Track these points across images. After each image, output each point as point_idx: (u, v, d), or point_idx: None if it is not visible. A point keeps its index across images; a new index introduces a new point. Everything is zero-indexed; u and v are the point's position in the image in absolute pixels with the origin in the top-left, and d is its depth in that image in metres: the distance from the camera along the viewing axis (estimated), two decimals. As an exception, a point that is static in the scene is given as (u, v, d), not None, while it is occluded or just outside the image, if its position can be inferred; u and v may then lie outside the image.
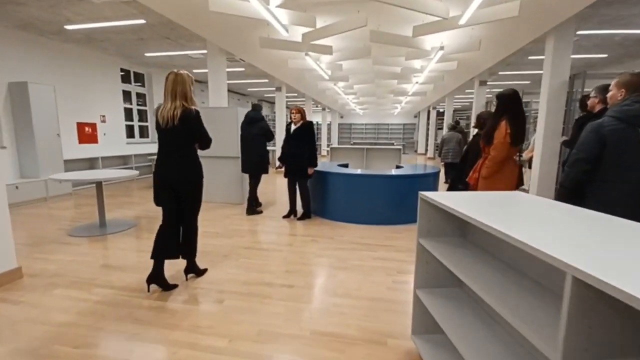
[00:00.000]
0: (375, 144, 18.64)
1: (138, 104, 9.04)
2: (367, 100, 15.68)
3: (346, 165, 5.92)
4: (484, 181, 3.04)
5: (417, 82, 9.74)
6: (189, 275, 2.77)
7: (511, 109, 2.93)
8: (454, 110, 12.83)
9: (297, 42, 5.98)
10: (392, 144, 21.06)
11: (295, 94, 14.52)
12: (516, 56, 7.59)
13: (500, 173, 2.95)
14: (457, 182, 3.79)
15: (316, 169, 4.79)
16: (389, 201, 4.39)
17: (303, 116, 4.48)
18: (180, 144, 2.53)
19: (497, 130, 2.91)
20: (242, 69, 9.12)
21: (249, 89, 13.47)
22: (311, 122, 4.56)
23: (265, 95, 15.04)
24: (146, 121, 9.31)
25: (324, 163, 6.17)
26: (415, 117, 23.36)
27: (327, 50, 6.36)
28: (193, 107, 2.54)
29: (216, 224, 4.41)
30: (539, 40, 5.39)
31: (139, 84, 9.03)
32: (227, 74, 9.86)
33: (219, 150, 5.51)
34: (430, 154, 16.86)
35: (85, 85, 7.15)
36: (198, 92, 10.88)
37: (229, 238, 3.83)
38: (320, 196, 4.84)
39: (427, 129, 18.39)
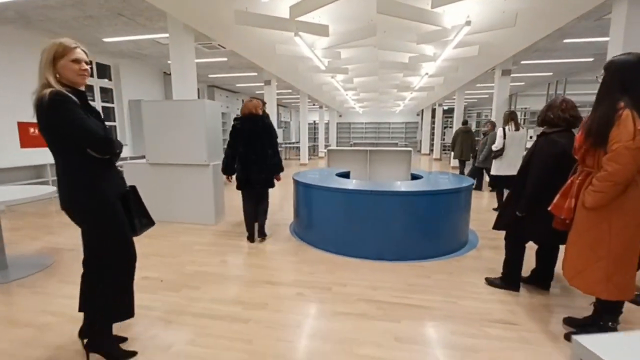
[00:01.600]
0: (377, 144, 17.47)
1: (104, 101, 7.76)
2: (367, 96, 14.43)
3: (347, 175, 4.65)
4: (588, 215, 1.79)
5: (426, 74, 8.49)
6: (85, 341, 1.71)
7: (636, 87, 1.71)
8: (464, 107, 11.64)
9: (283, 19, 4.72)
10: (396, 144, 19.78)
11: (289, 91, 13.26)
12: (550, 39, 6.33)
13: (621, 201, 1.70)
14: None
15: (308, 182, 3.55)
16: (409, 228, 3.13)
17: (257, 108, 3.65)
18: (52, 153, 1.57)
19: (617, 125, 1.67)
20: (225, 59, 7.85)
21: (238, 85, 12.19)
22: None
23: (257, 92, 13.76)
24: (114, 120, 8.03)
25: (320, 171, 4.90)
26: (418, 115, 22.14)
27: (323, 30, 5.10)
28: (48, 91, 1.33)
29: (165, 261, 3.14)
30: (601, 8, 4.17)
31: (104, 77, 7.75)
32: (208, 65, 8.69)
33: (182, 156, 4.24)
34: (436, 154, 15.60)
35: (27, 77, 5.86)
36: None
37: (176, 290, 2.56)
38: (313, 219, 3.58)
39: (433, 128, 17.14)
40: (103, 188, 1.60)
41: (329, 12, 4.95)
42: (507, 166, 4.65)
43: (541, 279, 2.56)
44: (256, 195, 3.66)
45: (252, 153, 3.49)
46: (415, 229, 3.13)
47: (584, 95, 6.65)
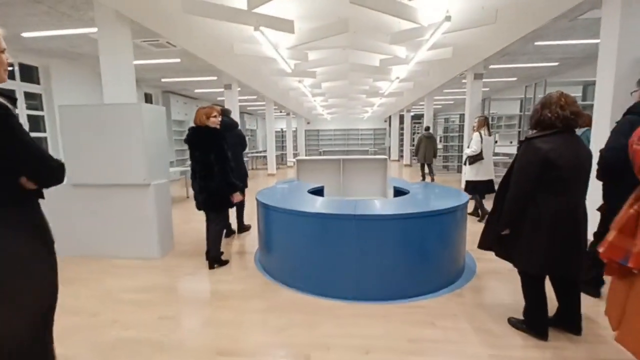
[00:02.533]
0: (347, 151, 17.07)
1: (29, 108, 6.56)
2: (336, 102, 14.00)
3: (320, 191, 4.01)
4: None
5: (397, 78, 8.15)
6: None
7: None
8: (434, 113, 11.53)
9: (241, 11, 4.04)
10: (367, 151, 19.52)
11: (254, 97, 12.49)
12: (523, 41, 6.15)
13: None
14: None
15: (274, 203, 2.86)
16: (400, 259, 2.52)
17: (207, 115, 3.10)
18: None
19: None
20: (177, 60, 6.98)
21: (197, 90, 11.23)
22: (211, 128, 3.09)
23: (219, 98, 12.83)
24: (44, 130, 6.83)
25: (289, 185, 4.22)
26: (386, 121, 22.15)
27: (287, 26, 4.48)
28: None
29: (77, 324, 2.29)
30: (579, 8, 3.90)
31: (30, 81, 6.57)
32: (159, 67, 7.70)
33: (113, 174, 3.38)
34: (406, 160, 15.47)
35: None
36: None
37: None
38: (283, 251, 2.88)
39: (401, 134, 17.08)
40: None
41: (294, 7, 4.35)
42: (485, 171, 4.65)
43: (566, 322, 2.05)
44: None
45: (197, 169, 3.09)
46: (407, 259, 2.53)
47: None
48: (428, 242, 2.56)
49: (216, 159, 2.99)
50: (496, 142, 7.01)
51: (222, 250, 3.30)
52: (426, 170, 9.40)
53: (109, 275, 3.10)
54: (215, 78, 8.83)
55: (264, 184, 6.23)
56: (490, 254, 2.12)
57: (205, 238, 3.32)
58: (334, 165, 6.61)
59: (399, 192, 3.72)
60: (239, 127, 4.43)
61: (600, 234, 2.11)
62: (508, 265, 2.05)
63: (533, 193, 1.79)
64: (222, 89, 8.21)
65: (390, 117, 19.17)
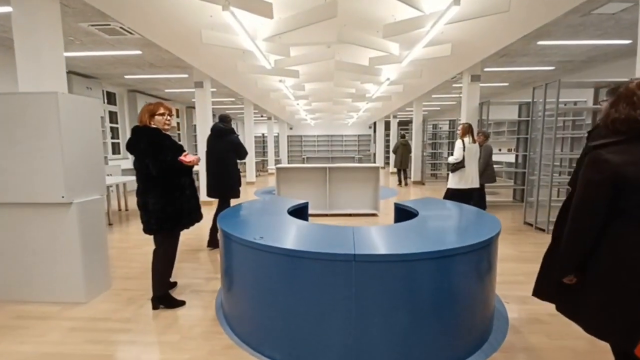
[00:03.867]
0: (332, 158, 16.38)
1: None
2: (320, 106, 13.29)
3: (304, 209, 3.22)
4: None
5: (388, 79, 7.51)
6: None
7: None
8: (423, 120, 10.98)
9: (205, -17, 3.24)
10: (353, 158, 18.90)
11: (232, 99, 11.62)
12: (526, 39, 5.63)
13: None
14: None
15: (240, 234, 2.03)
16: (424, 316, 1.74)
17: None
18: None
19: None
20: (138, 52, 6.06)
21: (168, 90, 10.25)
22: (150, 128, 2.39)
23: (194, 99, 11.87)
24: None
25: (264, 201, 3.39)
26: (370, 127, 21.69)
27: (264, 9, 3.70)
28: None
29: None
30: None
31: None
32: (118, 61, 6.68)
33: (24, 189, 2.47)
34: (392, 168, 14.88)
35: None
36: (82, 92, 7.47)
37: None
38: (255, 305, 2.04)
39: (387, 141, 16.58)
40: None
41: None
42: (467, 180, 4.53)
43: None
44: None
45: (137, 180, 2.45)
46: (429, 317, 1.76)
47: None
48: (457, 291, 1.80)
49: (156, 170, 2.25)
50: (500, 150, 6.43)
51: (174, 280, 2.47)
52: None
53: (6, 333, 2.17)
54: (186, 76, 7.94)
55: (241, 194, 5.40)
56: (520, 289, 1.38)
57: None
58: (319, 174, 5.84)
59: (402, 212, 2.97)
60: (236, 134, 4.15)
61: None
62: (548, 307, 1.40)
63: (603, 225, 1.22)
64: (191, 89, 7.31)
65: (375, 123, 18.68)
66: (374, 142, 19.69)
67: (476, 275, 1.87)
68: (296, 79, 7.61)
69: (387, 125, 16.32)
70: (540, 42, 5.83)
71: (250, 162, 10.90)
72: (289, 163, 20.29)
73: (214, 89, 9.48)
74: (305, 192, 5.88)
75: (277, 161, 17.40)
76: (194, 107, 12.72)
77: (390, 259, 1.64)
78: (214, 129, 4.05)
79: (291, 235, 2.08)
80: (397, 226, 2.23)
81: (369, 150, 21.87)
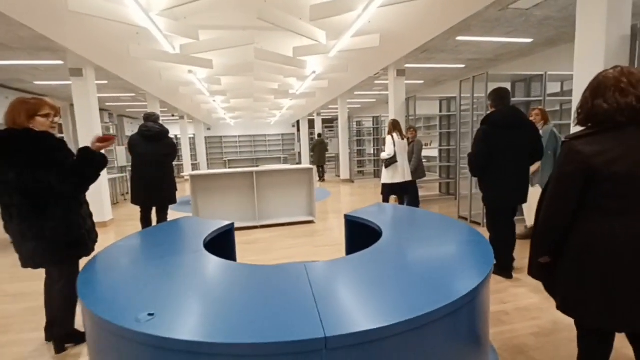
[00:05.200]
0: (256, 159, 15.37)
1: None
2: (240, 104, 12.21)
3: (228, 235, 2.41)
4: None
5: (313, 72, 7.00)
6: None
7: None
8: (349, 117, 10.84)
9: None
10: (279, 159, 18.07)
11: (132, 94, 9.82)
12: (448, 34, 5.65)
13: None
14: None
15: (110, 313, 1.15)
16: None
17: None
18: None
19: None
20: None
21: (38, 83, 8.05)
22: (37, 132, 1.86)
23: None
24: None
25: (168, 225, 2.46)
26: (294, 126, 21.21)
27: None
28: None
29: None
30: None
31: None
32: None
33: None
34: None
35: None
36: None
37: None
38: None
39: (312, 139, 16.24)
40: None
41: None
42: (401, 174, 4.60)
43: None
44: None
45: (12, 202, 1.88)
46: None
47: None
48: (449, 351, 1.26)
49: (69, 184, 1.85)
50: (426, 144, 6.46)
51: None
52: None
53: None
54: (61, 62, 6.21)
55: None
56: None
57: (43, 305, 2.11)
58: (244, 180, 4.99)
59: (354, 225, 2.39)
60: (170, 137, 3.95)
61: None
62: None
63: (574, 213, 1.29)
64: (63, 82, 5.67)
65: (298, 121, 18.23)
66: (299, 141, 19.25)
67: (475, 326, 1.35)
68: (209, 70, 6.58)
69: (311, 124, 15.98)
70: (459, 38, 5.96)
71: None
72: (208, 167, 18.53)
73: (105, 81, 7.76)
74: (228, 202, 4.97)
75: (195, 166, 15.65)
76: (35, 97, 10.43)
77: (388, 333, 0.99)
78: (151, 131, 3.71)
79: (208, 304, 1.26)
80: (365, 260, 1.61)
81: (294, 150, 21.39)
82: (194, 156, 16.89)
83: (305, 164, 17.63)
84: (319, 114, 15.06)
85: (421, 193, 6.56)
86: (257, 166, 12.80)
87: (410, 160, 5.54)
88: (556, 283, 1.39)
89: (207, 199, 4.90)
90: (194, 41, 4.95)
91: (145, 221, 3.94)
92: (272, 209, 5.12)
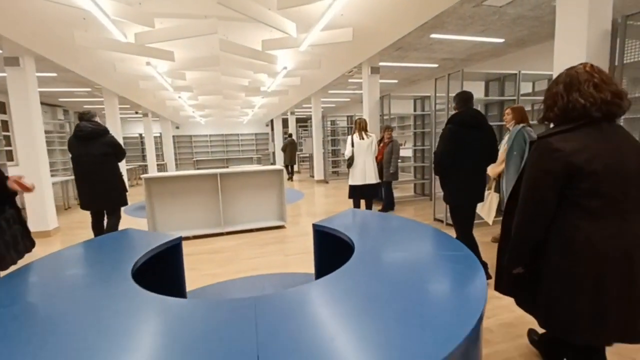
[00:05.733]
0: (228, 159, 14.75)
1: None
2: (209, 101, 11.61)
3: (174, 250, 2.03)
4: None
5: (284, 68, 6.66)
6: None
7: None
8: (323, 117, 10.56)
9: None
10: (251, 159, 17.49)
11: (87, 89, 9.04)
12: (422, 30, 5.51)
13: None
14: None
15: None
16: None
17: None
18: None
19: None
20: None
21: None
22: None
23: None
24: None
25: (113, 233, 2.05)
26: (268, 125, 20.70)
27: None
28: None
29: None
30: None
31: None
32: None
33: None
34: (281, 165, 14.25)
35: None
36: None
37: None
38: None
39: (286, 139, 15.87)
40: None
41: None
42: (360, 176, 4.47)
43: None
44: None
45: None
46: None
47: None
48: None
49: None
50: (401, 144, 6.31)
51: None
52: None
53: None
54: (-4, 51, 5.46)
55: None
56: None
57: None
58: (208, 183, 4.58)
59: (323, 236, 2.09)
60: (111, 133, 3.69)
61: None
62: None
63: (553, 216, 1.20)
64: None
65: (272, 120, 17.78)
66: (272, 140, 18.78)
67: None
68: (171, 63, 6.09)
69: (285, 123, 15.61)
70: (433, 35, 5.83)
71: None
72: (177, 167, 17.66)
73: (53, 74, 7.03)
74: (190, 207, 4.54)
75: (161, 166, 14.82)
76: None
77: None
78: (83, 130, 3.48)
79: None
80: (334, 288, 1.31)
81: (268, 150, 20.88)
82: (160, 156, 16.03)
83: (280, 164, 17.23)
84: (292, 113, 14.71)
85: (396, 194, 6.41)
86: (227, 167, 12.26)
87: (389, 162, 5.36)
88: (537, 299, 1.27)
89: (166, 204, 4.44)
90: (150, 30, 4.48)
91: (97, 228, 3.72)
92: (239, 214, 4.73)
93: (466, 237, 2.70)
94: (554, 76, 2.88)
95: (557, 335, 1.27)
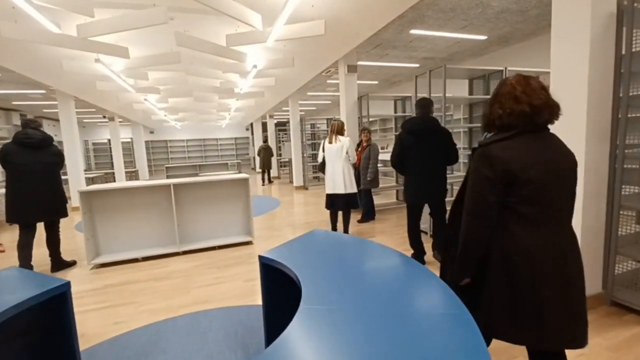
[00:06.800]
0: (203, 165, 14.02)
1: None
2: (179, 104, 10.94)
3: (64, 294, 1.47)
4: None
5: (254, 67, 6.14)
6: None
7: None
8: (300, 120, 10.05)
9: None
10: (227, 165, 16.77)
11: (41, 91, 8.27)
12: (400, 24, 5.12)
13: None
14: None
15: None
16: None
17: None
18: None
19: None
20: None
21: None
22: None
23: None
24: None
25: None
26: (247, 129, 20.08)
27: None
28: None
29: None
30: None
31: None
32: None
33: None
34: (273, 172, 13.71)
35: None
36: None
37: None
38: None
39: (266, 143, 15.31)
40: None
41: None
42: (329, 184, 4.10)
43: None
44: None
45: None
46: None
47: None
48: None
49: None
50: (383, 148, 5.89)
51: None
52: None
53: None
54: None
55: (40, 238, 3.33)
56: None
57: None
58: (162, 194, 4.00)
59: (270, 271, 1.59)
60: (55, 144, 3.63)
61: None
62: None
63: (495, 224, 1.22)
64: None
65: (252, 124, 17.18)
66: (253, 144, 18.16)
67: None
68: (127, 60, 5.48)
69: (265, 127, 15.04)
70: (413, 31, 5.45)
71: (76, 179, 7.84)
72: (151, 174, 16.78)
73: (-7, 74, 6.27)
74: (140, 224, 3.94)
75: (132, 174, 13.97)
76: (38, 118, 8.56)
77: None
78: (32, 138, 3.41)
79: None
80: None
81: (249, 154, 20.22)
82: (130, 162, 15.18)
83: (260, 169, 16.60)
84: (271, 117, 14.18)
85: (378, 201, 5.98)
86: (197, 174, 11.56)
87: (367, 167, 4.92)
88: (478, 303, 1.26)
89: (110, 221, 3.83)
90: (92, 21, 3.90)
91: (25, 246, 3.42)
92: (199, 229, 4.17)
93: (410, 229, 3.18)
94: (552, 66, 2.51)
95: (500, 340, 1.24)
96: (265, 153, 11.68)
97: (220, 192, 4.27)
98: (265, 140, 12.61)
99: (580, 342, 1.18)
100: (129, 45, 4.95)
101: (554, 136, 1.26)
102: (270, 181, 11.89)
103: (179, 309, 2.57)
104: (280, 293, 1.71)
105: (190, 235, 4.11)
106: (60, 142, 7.76)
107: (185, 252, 3.94)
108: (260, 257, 1.66)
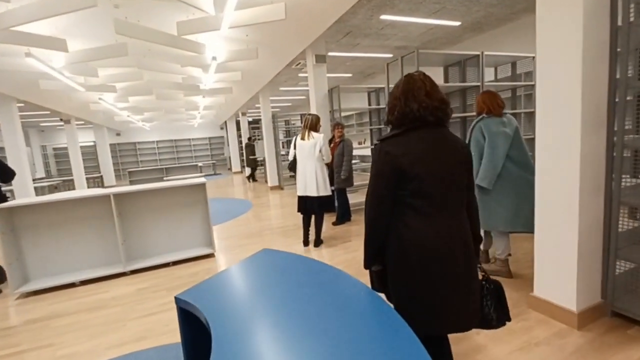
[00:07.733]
0: (169, 169, 13.25)
1: None
2: (142, 103, 10.20)
3: None
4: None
5: (214, 59, 5.60)
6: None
7: None
8: (273, 116, 9.54)
9: None
10: (197, 166, 15.99)
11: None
12: (370, 9, 4.74)
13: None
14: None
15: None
16: None
17: None
18: None
19: None
20: None
21: None
22: None
23: None
24: None
25: None
26: (222, 128, 19.33)
27: None
28: None
29: None
30: None
31: None
32: None
33: None
34: (249, 171, 13.14)
35: None
36: None
37: None
38: None
39: (240, 142, 14.74)
40: None
41: None
42: (300, 186, 3.76)
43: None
44: None
45: None
46: None
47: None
48: None
49: None
50: (360, 143, 5.52)
51: None
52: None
53: None
54: None
55: None
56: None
57: None
58: (103, 206, 3.46)
59: (188, 317, 1.17)
60: None
61: None
62: None
63: (391, 214, 1.30)
64: None
65: (226, 123, 16.48)
66: (228, 144, 17.45)
67: None
68: (67, 54, 4.87)
69: (239, 125, 14.42)
70: (383, 17, 5.08)
71: (24, 189, 7.07)
72: (117, 180, 15.81)
73: None
74: (78, 241, 3.40)
75: (95, 180, 13.06)
76: None
77: None
78: None
79: None
80: None
81: (224, 154, 19.49)
82: (94, 168, 14.23)
83: (236, 168, 15.96)
84: (244, 114, 13.57)
85: (352, 200, 5.62)
86: (163, 178, 10.89)
87: (340, 164, 4.54)
88: (391, 294, 1.35)
89: (41, 240, 3.27)
90: (7, 8, 3.30)
91: None
92: (149, 244, 3.66)
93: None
94: (537, 49, 2.19)
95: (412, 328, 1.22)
96: (248, 151, 11.74)
97: (174, 200, 3.77)
98: (249, 138, 12.41)
99: (466, 325, 1.29)
100: (70, 39, 4.35)
101: (446, 130, 1.32)
102: (254, 179, 11.82)
103: (105, 351, 2.09)
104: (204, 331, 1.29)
105: (139, 252, 3.59)
106: (2, 149, 6.96)
107: (133, 272, 3.43)
108: (177, 299, 1.22)
